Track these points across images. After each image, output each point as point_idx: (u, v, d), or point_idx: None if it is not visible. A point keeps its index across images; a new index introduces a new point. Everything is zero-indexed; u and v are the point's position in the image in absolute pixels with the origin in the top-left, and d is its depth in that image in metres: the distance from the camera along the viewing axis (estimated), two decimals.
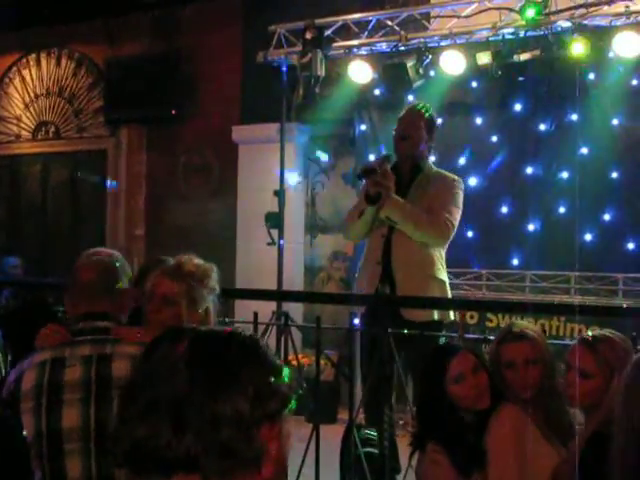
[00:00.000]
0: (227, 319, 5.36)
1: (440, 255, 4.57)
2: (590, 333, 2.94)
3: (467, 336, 3.74)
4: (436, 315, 4.42)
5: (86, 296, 2.64)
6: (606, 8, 6.23)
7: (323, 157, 8.30)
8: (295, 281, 8.13)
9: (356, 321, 4.95)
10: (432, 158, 4.98)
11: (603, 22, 6.32)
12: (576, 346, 2.92)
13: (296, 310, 7.40)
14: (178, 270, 2.67)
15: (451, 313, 4.63)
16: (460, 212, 4.59)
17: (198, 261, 2.70)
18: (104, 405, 2.42)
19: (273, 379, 1.33)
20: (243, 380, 1.29)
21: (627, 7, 6.14)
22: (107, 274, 2.69)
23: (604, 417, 2.62)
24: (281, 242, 7.36)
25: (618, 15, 6.22)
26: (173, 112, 8.90)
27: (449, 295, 4.65)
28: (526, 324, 3.32)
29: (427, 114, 4.68)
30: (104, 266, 2.69)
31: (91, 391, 2.46)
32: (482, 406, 3.07)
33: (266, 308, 6.64)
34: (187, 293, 2.61)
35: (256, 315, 4.35)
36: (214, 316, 2.69)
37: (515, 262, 7.00)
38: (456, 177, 4.72)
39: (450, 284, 7.02)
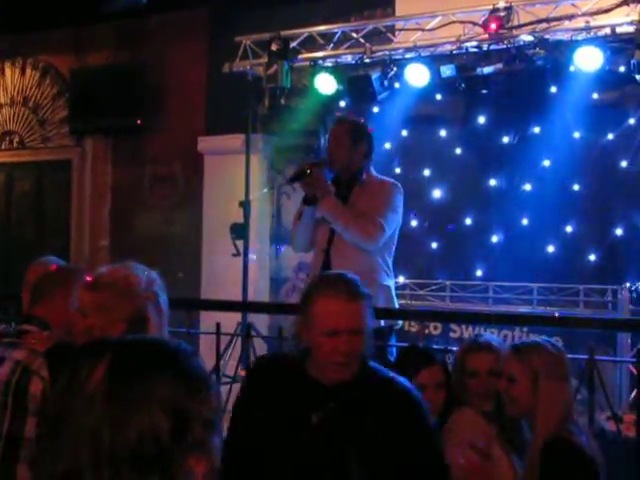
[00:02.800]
0: (190, 330, 5.35)
1: (383, 261, 4.59)
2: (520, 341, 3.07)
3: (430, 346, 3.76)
4: (382, 321, 4.41)
5: (27, 299, 2.69)
6: (567, 23, 6.32)
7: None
8: (260, 292, 8.08)
9: None
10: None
11: (564, 37, 6.40)
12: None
13: (262, 321, 7.40)
14: (94, 280, 2.50)
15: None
16: (397, 216, 4.63)
17: (125, 270, 2.49)
18: None
19: (197, 402, 1.24)
20: (162, 407, 1.21)
21: (587, 22, 6.23)
22: (43, 279, 2.70)
23: (549, 425, 2.74)
24: (246, 253, 7.33)
25: (578, 30, 6.31)
26: (138, 122, 8.84)
27: (395, 301, 4.68)
28: (491, 335, 3.37)
29: (352, 127, 4.72)
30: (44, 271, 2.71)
31: None
32: None
33: (231, 319, 6.65)
34: (99, 304, 2.41)
35: (218, 326, 4.34)
36: (158, 326, 2.46)
37: (479, 273, 7.06)
38: (394, 181, 4.77)
39: (414, 295, 7.07)
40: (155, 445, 1.18)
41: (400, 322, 4.77)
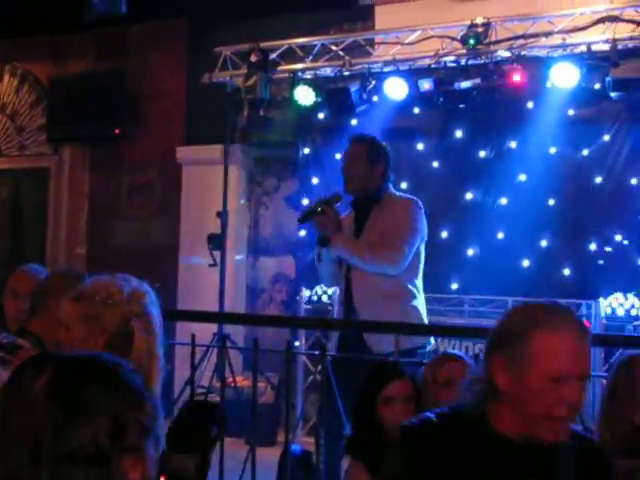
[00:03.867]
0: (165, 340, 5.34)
1: (409, 282, 4.42)
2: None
3: (402, 360, 3.78)
4: (408, 343, 4.21)
5: (12, 308, 2.65)
6: (544, 40, 6.41)
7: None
8: (237, 303, 8.10)
9: (296, 343, 4.96)
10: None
11: (541, 53, 6.52)
12: None
13: (238, 332, 7.42)
14: (77, 291, 2.41)
15: (431, 338, 4.52)
16: (418, 233, 4.45)
17: (109, 280, 2.40)
18: None
19: (134, 410, 1.32)
20: (101, 412, 1.28)
21: (564, 39, 6.33)
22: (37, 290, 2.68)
23: None
24: (223, 264, 7.34)
25: (555, 47, 6.42)
26: (117, 131, 8.81)
27: (419, 319, 4.41)
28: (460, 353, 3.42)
29: (368, 147, 4.58)
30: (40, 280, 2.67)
31: None
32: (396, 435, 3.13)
33: (207, 330, 6.63)
34: (80, 315, 2.34)
35: (193, 337, 4.33)
36: (146, 343, 2.34)
37: (454, 286, 7.04)
38: (411, 197, 4.63)
39: None
40: (93, 446, 1.26)
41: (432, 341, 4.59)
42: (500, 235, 6.93)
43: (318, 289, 7.20)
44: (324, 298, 7.16)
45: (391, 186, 4.65)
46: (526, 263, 6.83)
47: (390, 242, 4.36)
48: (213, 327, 6.77)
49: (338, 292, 4.75)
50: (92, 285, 2.38)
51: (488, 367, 2.07)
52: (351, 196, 4.63)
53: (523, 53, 6.43)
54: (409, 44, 6.84)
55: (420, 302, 4.49)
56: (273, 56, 7.23)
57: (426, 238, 4.57)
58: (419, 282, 4.51)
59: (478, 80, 6.57)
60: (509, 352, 2.02)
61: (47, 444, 1.24)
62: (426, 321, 4.52)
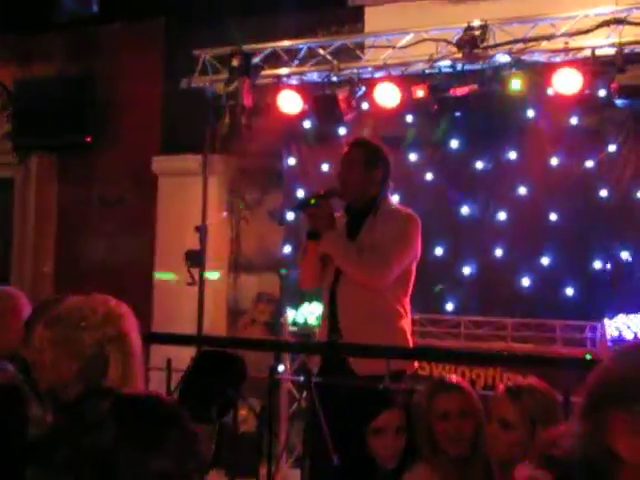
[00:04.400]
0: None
1: (397, 300, 4.45)
2: (513, 383, 3.01)
3: (392, 386, 3.80)
4: (395, 365, 4.14)
5: None
6: (545, 44, 6.44)
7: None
8: (217, 324, 8.07)
9: (280, 368, 4.94)
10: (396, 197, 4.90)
11: (542, 58, 6.56)
12: (499, 395, 2.99)
13: None
14: (49, 314, 2.42)
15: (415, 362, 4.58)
16: (411, 250, 4.49)
17: (84, 302, 2.40)
18: None
19: (193, 442, 1.51)
20: (169, 440, 1.45)
21: (566, 43, 6.33)
22: None
23: None
24: (202, 282, 7.35)
25: (557, 51, 6.45)
26: (88, 140, 8.77)
27: (404, 341, 4.43)
28: (458, 377, 3.41)
29: (366, 151, 4.60)
30: None
31: None
32: (389, 465, 3.14)
33: (185, 354, 6.60)
34: (52, 339, 2.32)
35: (169, 362, 4.32)
36: (122, 368, 2.36)
37: (449, 307, 7.03)
38: (409, 211, 4.65)
39: None
40: (161, 474, 1.48)
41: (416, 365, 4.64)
42: (499, 252, 6.93)
43: (304, 309, 7.20)
44: (310, 319, 7.15)
45: (389, 195, 4.69)
46: (526, 282, 6.82)
47: (380, 254, 4.37)
48: (191, 351, 6.73)
49: (322, 308, 4.75)
50: (65, 307, 2.38)
51: (601, 429, 1.70)
52: (345, 202, 4.66)
53: (523, 58, 6.46)
54: (402, 48, 6.86)
55: (407, 323, 4.52)
56: (256, 60, 7.23)
57: (418, 257, 4.60)
58: (407, 302, 4.53)
59: (475, 86, 6.58)
60: (635, 408, 1.68)
61: (118, 465, 1.41)
62: (411, 344, 4.51)
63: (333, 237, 4.41)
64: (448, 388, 3.31)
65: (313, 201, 4.45)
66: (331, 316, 4.50)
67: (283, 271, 7.51)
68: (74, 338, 2.30)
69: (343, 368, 4.27)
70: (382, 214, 4.54)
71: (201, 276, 7.35)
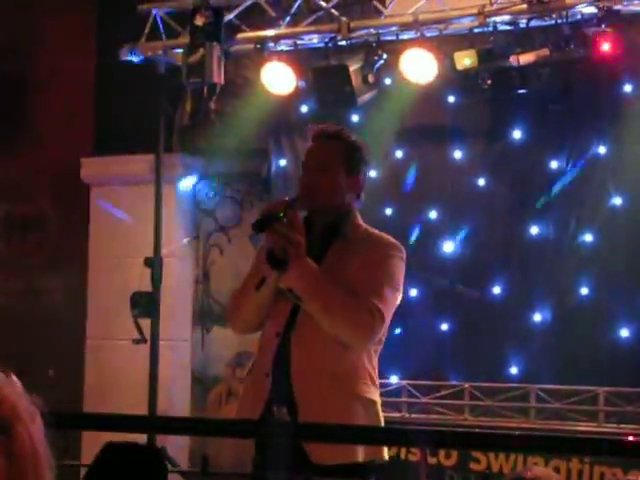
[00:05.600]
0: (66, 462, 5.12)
1: (368, 360, 4.47)
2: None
3: None
4: (360, 455, 4.28)
5: None
6: None
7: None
8: (177, 399, 8.10)
9: None
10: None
11: None
12: None
13: (180, 445, 7.52)
14: None
15: (384, 450, 4.52)
16: (398, 295, 4.52)
17: None
18: None
19: None
20: None
21: None
22: None
23: None
24: (156, 339, 7.37)
25: None
26: None
27: (380, 421, 4.51)
28: (543, 470, 3.42)
29: (345, 147, 4.59)
30: None
31: None
32: None
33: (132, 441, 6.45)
34: None
35: None
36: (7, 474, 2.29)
37: (514, 371, 7.03)
38: (392, 240, 4.62)
39: (414, 404, 7.07)
40: None
41: (386, 455, 4.55)
42: (584, 290, 6.90)
43: None
44: None
45: (357, 212, 4.67)
46: (625, 333, 6.79)
47: (366, 302, 4.37)
48: (140, 438, 6.60)
49: (254, 357, 4.76)
50: None
51: None
52: (304, 211, 4.59)
53: (616, 8, 6.36)
54: None
55: (377, 393, 4.55)
56: (230, 17, 7.25)
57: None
58: (376, 363, 4.56)
59: (546, 51, 6.57)
60: None
61: None
62: (382, 421, 4.56)
63: (307, 270, 4.35)
64: None
65: (281, 214, 4.36)
66: (279, 376, 4.41)
67: None
68: None
69: (295, 451, 4.16)
70: (356, 239, 4.54)
71: (154, 330, 7.23)
